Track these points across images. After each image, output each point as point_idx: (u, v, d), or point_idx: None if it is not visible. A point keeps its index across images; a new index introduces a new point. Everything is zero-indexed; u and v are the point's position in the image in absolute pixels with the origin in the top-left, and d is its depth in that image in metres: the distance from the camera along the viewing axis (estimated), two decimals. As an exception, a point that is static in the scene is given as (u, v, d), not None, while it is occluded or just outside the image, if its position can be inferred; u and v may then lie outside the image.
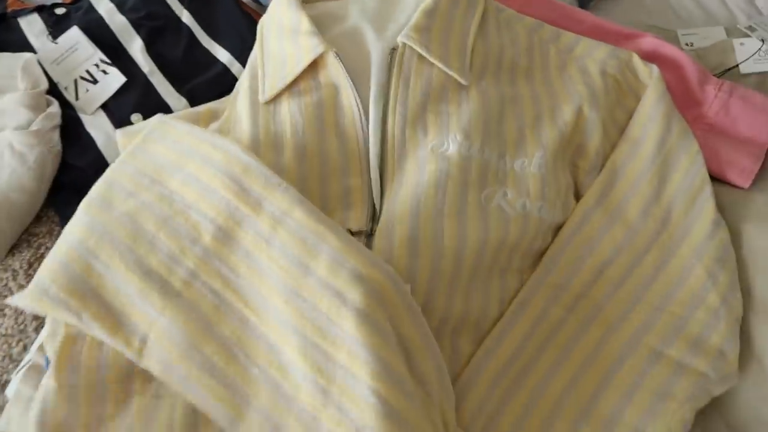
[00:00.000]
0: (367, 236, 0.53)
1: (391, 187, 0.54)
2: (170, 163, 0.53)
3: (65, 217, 0.66)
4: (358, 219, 0.54)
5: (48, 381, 0.48)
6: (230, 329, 0.46)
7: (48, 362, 0.53)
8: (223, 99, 0.66)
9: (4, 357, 0.61)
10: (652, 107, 0.61)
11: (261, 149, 0.56)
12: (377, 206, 0.55)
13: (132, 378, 0.49)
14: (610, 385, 0.50)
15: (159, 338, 0.46)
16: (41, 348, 0.56)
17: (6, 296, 0.64)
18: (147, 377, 0.48)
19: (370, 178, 0.56)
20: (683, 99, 0.66)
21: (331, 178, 0.55)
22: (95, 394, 0.48)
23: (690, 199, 0.58)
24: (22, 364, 0.58)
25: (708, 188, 0.58)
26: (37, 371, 0.56)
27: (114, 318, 0.47)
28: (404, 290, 0.47)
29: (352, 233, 0.52)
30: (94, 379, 0.48)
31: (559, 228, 0.57)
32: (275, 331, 0.45)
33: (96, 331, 0.47)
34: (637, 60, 0.64)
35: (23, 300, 0.48)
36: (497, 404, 0.50)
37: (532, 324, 0.53)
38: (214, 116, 0.64)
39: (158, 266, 0.48)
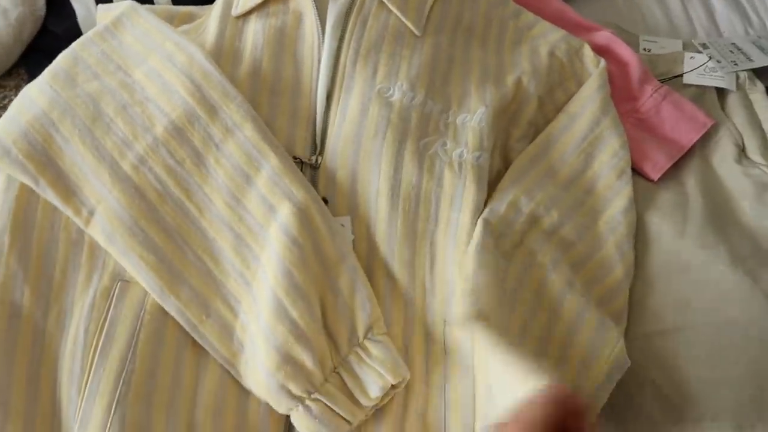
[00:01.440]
0: (312, 168, 0.58)
1: (335, 119, 0.59)
2: (135, 54, 0.58)
3: (33, 76, 0.70)
4: (301, 139, 0.59)
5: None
6: (171, 216, 0.52)
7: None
8: (204, 6, 0.70)
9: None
10: (593, 90, 0.66)
11: (221, 60, 0.60)
12: (318, 129, 0.60)
13: (81, 247, 0.54)
14: (559, 317, 0.55)
15: (105, 212, 0.52)
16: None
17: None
18: (93, 253, 0.53)
19: (316, 105, 0.60)
20: (621, 92, 0.71)
21: (281, 96, 0.60)
22: (47, 252, 0.53)
23: (614, 177, 0.63)
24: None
25: (629, 173, 0.64)
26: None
27: (67, 188, 0.53)
28: (327, 214, 0.53)
29: (300, 162, 0.57)
30: (46, 237, 0.54)
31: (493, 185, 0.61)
32: (212, 226, 0.52)
33: (50, 196, 0.52)
34: (587, 50, 0.69)
35: None
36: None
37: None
38: (189, 18, 0.68)
39: (112, 148, 0.53)
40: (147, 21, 0.60)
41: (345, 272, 0.52)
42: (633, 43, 0.79)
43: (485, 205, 0.58)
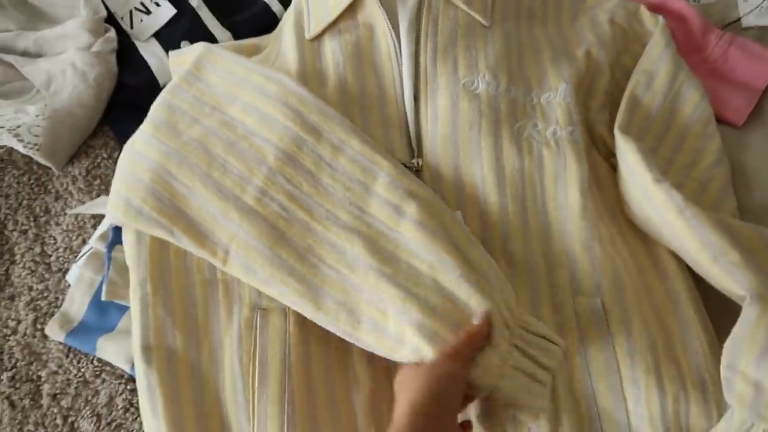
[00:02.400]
0: (415, 171, 0.59)
1: (426, 120, 0.60)
2: (225, 92, 0.59)
3: (118, 131, 0.74)
4: (399, 145, 0.60)
5: (142, 287, 0.55)
6: (299, 237, 0.53)
7: (109, 249, 0.60)
8: (264, 36, 0.72)
9: (65, 249, 0.69)
10: (661, 48, 0.66)
11: (308, 83, 0.62)
12: (412, 133, 0.61)
13: (216, 285, 0.56)
14: None
15: (240, 247, 0.53)
16: (103, 236, 0.63)
17: (67, 198, 0.71)
18: (228, 288, 0.56)
19: (405, 109, 0.62)
20: (686, 46, 0.72)
21: (370, 109, 0.62)
22: (187, 296, 0.56)
23: (701, 127, 0.63)
24: (81, 253, 0.66)
25: (714, 121, 0.64)
26: (98, 257, 0.64)
27: (200, 233, 0.54)
28: (446, 206, 0.55)
29: (404, 167, 0.58)
30: (183, 283, 0.56)
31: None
32: (340, 236, 0.52)
33: (185, 244, 0.54)
34: (644, 10, 0.70)
35: (116, 217, 0.55)
36: None
37: None
38: (256, 50, 0.71)
39: (232, 186, 0.54)
40: (225, 59, 0.62)
41: (481, 256, 0.52)
42: (680, -4, 0.79)
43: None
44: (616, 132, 0.60)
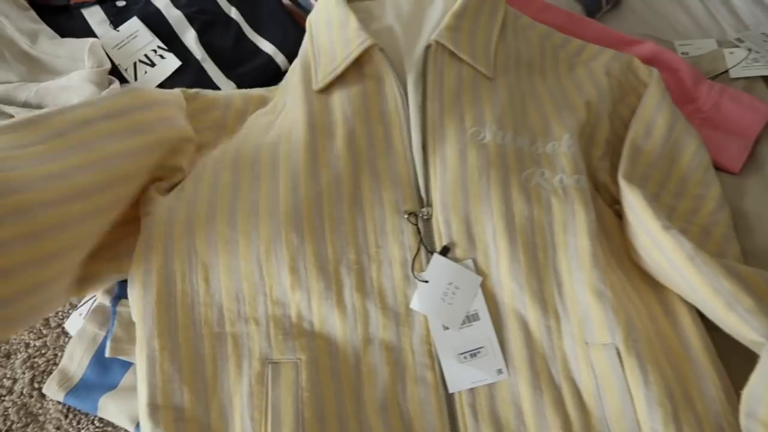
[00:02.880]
0: (425, 221, 0.59)
1: (435, 169, 0.61)
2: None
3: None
4: (408, 195, 0.60)
5: (149, 343, 0.54)
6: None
7: (114, 303, 0.59)
8: (272, 87, 0.73)
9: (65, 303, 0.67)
10: (658, 99, 0.68)
11: (317, 135, 0.62)
12: (421, 183, 0.61)
13: (224, 339, 0.55)
14: None
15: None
16: (108, 290, 0.61)
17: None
18: (237, 342, 0.55)
19: (413, 159, 0.62)
20: (680, 97, 0.74)
21: (378, 160, 0.62)
22: (195, 351, 0.55)
23: (701, 173, 0.65)
24: (80, 303, 0.64)
25: (712, 168, 0.66)
26: (101, 312, 0.62)
27: None
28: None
29: (415, 216, 0.59)
30: (191, 335, 0.55)
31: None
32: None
33: None
34: (637, 62, 0.72)
35: None
36: None
37: None
38: (263, 101, 0.71)
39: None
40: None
41: None
42: (669, 49, 0.83)
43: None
44: (621, 180, 0.61)
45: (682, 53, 0.83)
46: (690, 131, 0.67)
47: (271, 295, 0.56)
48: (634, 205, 0.58)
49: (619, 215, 0.64)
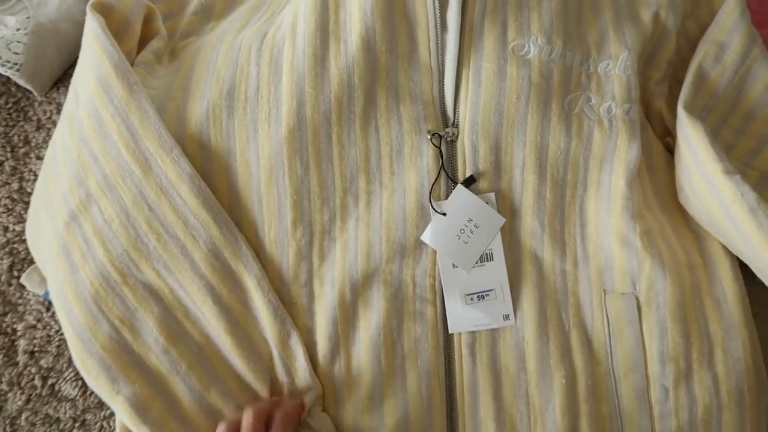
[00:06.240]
0: (449, 142, 0.53)
1: (467, 84, 0.53)
2: (80, 73, 0.54)
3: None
4: (430, 111, 0.53)
5: None
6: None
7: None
8: None
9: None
10: (735, 18, 0.60)
11: (327, 35, 0.53)
12: (448, 99, 0.54)
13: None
14: None
15: None
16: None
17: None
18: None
19: (440, 69, 0.54)
20: (761, 16, 0.64)
21: (399, 69, 0.54)
22: None
23: None
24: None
25: None
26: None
27: None
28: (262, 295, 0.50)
29: (439, 137, 0.52)
30: None
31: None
32: (136, 294, 0.48)
33: None
34: None
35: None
36: None
37: None
38: None
39: (57, 202, 0.51)
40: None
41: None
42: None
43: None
44: (680, 110, 0.54)
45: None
46: (767, 60, 0.59)
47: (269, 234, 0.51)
48: (693, 141, 0.52)
49: (670, 150, 0.58)
